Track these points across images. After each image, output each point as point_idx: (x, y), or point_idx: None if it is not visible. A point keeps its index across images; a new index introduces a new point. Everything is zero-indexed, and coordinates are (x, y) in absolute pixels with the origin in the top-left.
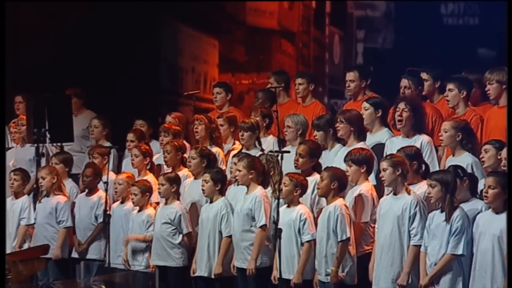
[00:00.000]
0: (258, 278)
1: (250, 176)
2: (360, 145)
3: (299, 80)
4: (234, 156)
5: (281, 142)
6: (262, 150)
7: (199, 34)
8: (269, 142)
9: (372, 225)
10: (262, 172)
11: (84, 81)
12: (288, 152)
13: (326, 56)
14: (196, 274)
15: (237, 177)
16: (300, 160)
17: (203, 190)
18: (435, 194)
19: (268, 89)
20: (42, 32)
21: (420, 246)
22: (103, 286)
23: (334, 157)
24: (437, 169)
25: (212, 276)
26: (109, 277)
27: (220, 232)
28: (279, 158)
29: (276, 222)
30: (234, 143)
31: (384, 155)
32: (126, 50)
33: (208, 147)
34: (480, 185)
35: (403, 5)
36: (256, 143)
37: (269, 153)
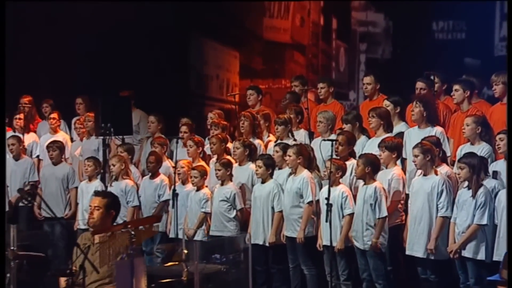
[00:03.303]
0: (305, 245)
1: (298, 161)
2: (387, 135)
3: (321, 84)
4: (275, 145)
5: (311, 135)
6: (295, 140)
7: (222, 46)
8: (301, 135)
9: (402, 202)
10: (308, 158)
11: (129, 85)
12: (337, 140)
13: (333, 64)
14: (252, 242)
15: (277, 163)
16: (340, 147)
17: (257, 173)
18: (464, 175)
19: (294, 91)
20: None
21: (446, 217)
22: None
23: (361, 146)
24: (449, 153)
25: (267, 244)
26: (170, 245)
27: (273, 208)
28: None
29: (327, 199)
30: (268, 136)
31: (404, 143)
32: (161, 60)
33: (251, 140)
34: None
35: (400, 22)
36: (289, 135)
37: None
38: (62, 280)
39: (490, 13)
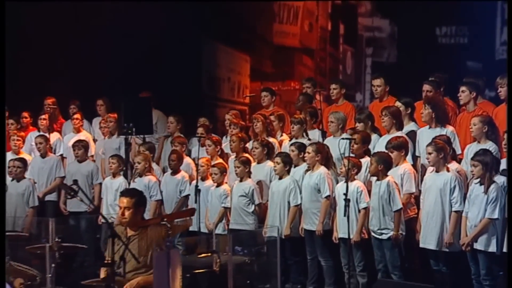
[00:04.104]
0: (323, 238)
1: (316, 158)
2: (398, 133)
3: (333, 86)
4: (291, 144)
5: (324, 134)
6: (309, 139)
7: (234, 51)
8: (314, 134)
9: (414, 196)
10: (325, 155)
11: (147, 87)
12: (354, 139)
13: (340, 68)
14: (267, 235)
15: (294, 161)
16: (355, 146)
17: (275, 169)
18: (477, 172)
19: (306, 92)
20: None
21: (459, 211)
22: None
23: (372, 144)
24: (459, 151)
25: (283, 237)
26: (192, 239)
27: (289, 202)
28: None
29: (346, 194)
30: (282, 135)
31: (416, 142)
32: (176, 63)
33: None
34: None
35: (405, 28)
36: (304, 134)
37: (341, 139)
38: (103, 271)
39: (491, 18)
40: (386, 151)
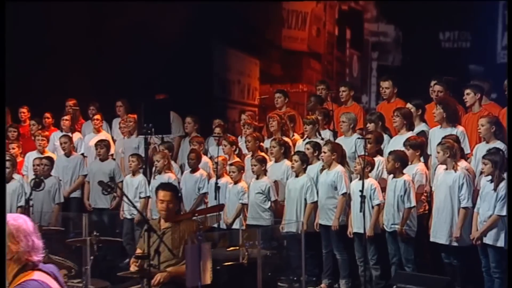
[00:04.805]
0: (338, 232)
1: (333, 157)
2: (409, 134)
3: (342, 88)
4: (306, 143)
5: (335, 134)
6: (322, 139)
7: (244, 55)
8: (325, 134)
9: (425, 194)
10: (340, 154)
11: (162, 89)
12: (369, 138)
13: (347, 71)
14: (285, 230)
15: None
16: (369, 145)
17: (292, 167)
18: (487, 170)
19: (318, 94)
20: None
21: (467, 208)
22: None
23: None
24: (469, 151)
25: (299, 232)
26: (210, 234)
27: (305, 199)
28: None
29: (361, 191)
30: (293, 135)
31: (428, 141)
32: (189, 67)
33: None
34: None
35: (409, 33)
36: (317, 134)
37: (357, 138)
38: (134, 263)
39: (492, 24)
40: (403, 150)
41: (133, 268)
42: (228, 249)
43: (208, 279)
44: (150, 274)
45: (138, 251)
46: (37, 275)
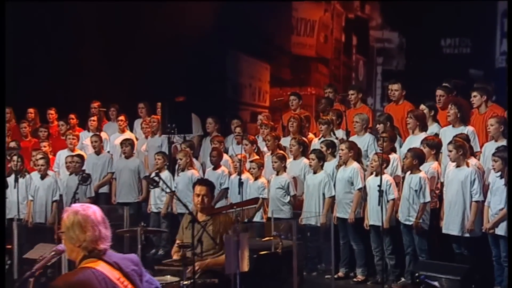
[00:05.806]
0: (355, 225)
1: (350, 154)
2: (423, 134)
3: (351, 91)
4: (321, 142)
5: (348, 133)
6: (336, 138)
7: (255, 60)
8: (338, 134)
9: (437, 190)
10: (357, 152)
11: (179, 92)
12: (385, 137)
13: (353, 75)
14: (303, 223)
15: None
16: (384, 144)
17: (310, 165)
18: (497, 166)
19: (328, 96)
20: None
21: (479, 201)
22: None
23: None
24: (479, 149)
25: (319, 225)
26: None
27: (323, 194)
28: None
29: (380, 186)
30: (307, 134)
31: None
32: (203, 71)
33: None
34: None
35: (412, 39)
36: (331, 133)
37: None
38: (177, 252)
39: (491, 31)
40: (421, 148)
41: (176, 256)
42: (263, 240)
43: (245, 266)
44: (193, 262)
45: (178, 241)
46: (101, 266)
